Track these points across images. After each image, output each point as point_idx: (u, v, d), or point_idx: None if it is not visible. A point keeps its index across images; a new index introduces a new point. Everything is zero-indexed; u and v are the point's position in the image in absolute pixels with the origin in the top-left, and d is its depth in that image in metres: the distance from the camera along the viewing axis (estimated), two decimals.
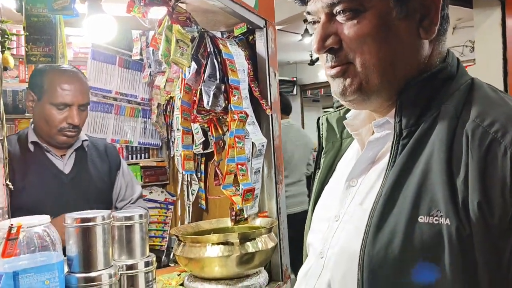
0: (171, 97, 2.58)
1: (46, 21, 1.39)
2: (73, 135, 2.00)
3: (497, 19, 4.21)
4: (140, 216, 1.50)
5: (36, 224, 1.26)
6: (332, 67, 0.88)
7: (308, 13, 0.91)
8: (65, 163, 2.04)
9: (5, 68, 1.21)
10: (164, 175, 2.89)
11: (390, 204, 0.79)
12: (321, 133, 1.13)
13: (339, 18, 0.84)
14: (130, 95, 2.75)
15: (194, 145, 2.27)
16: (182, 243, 1.74)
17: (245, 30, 2.12)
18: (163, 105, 2.66)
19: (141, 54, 2.66)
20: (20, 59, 2.35)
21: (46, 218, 1.29)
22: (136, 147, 2.82)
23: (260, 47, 2.11)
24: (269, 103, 2.05)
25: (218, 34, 2.25)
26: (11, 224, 1.15)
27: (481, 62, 4.58)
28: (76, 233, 1.34)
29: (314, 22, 0.90)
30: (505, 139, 0.72)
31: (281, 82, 9.77)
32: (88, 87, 2.09)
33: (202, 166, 2.46)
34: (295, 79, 10.28)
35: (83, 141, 2.10)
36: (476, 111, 0.78)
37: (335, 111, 1.11)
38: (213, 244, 1.65)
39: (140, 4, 1.51)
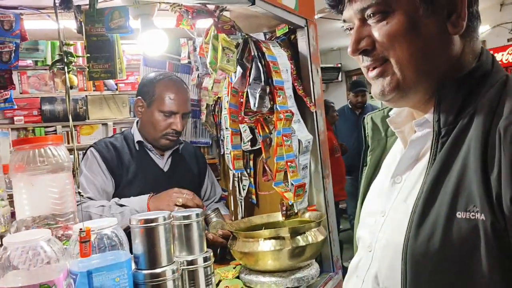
0: (219, 98, 2.68)
1: (104, 39, 1.51)
2: (175, 139, 2.23)
3: None
4: (197, 214, 1.60)
5: (106, 226, 1.38)
6: (371, 68, 0.94)
7: (344, 20, 0.98)
8: (164, 162, 2.26)
9: (71, 87, 1.34)
10: (215, 171, 2.99)
11: (431, 201, 0.84)
12: (366, 132, 1.18)
13: (371, 21, 0.91)
14: None
15: (242, 142, 2.37)
16: (236, 238, 1.84)
17: (287, 30, 2.18)
18: (211, 105, 2.77)
19: (188, 57, 2.77)
20: (78, 69, 2.52)
21: (113, 220, 1.41)
22: None
23: (302, 46, 2.17)
24: (313, 100, 2.12)
25: (261, 35, 2.32)
26: (81, 228, 1.27)
27: None
28: (141, 233, 1.45)
29: (351, 29, 0.96)
30: None
31: (325, 69, 9.69)
32: (189, 97, 2.32)
33: (251, 162, 2.55)
34: (339, 65, 10.18)
35: (179, 143, 2.32)
36: (509, 108, 0.80)
37: (379, 110, 1.17)
38: (265, 239, 1.73)
39: (188, 17, 1.61)
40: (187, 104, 2.25)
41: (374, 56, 0.92)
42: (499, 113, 0.81)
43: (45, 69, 3.11)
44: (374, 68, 0.93)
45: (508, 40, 7.24)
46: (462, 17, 0.88)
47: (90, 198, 2.05)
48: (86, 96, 2.98)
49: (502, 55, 7.38)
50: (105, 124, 3.42)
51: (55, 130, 3.30)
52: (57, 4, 1.31)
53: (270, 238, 1.74)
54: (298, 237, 1.75)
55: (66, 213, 1.49)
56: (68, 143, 2.68)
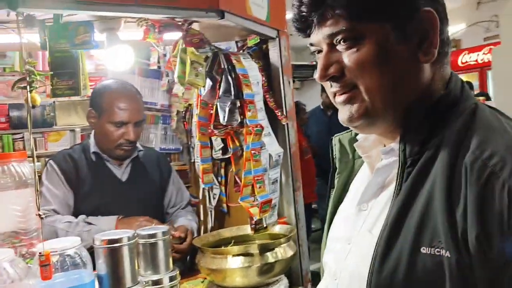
0: (189, 104, 2.65)
1: (68, 55, 1.47)
2: (129, 149, 2.18)
3: None
4: (163, 233, 1.59)
5: (69, 247, 1.36)
6: (339, 93, 0.91)
7: (311, 44, 0.95)
8: (122, 172, 2.21)
9: (33, 106, 1.31)
10: (186, 178, 2.96)
11: (395, 233, 0.83)
12: (334, 154, 1.16)
13: (340, 47, 0.88)
14: (149, 102, 2.79)
15: (213, 151, 2.35)
16: (204, 254, 1.82)
17: (258, 40, 2.17)
18: (182, 112, 2.73)
19: (158, 62, 2.72)
20: (46, 75, 2.45)
21: (77, 240, 1.39)
22: None
23: (274, 57, 2.15)
24: (285, 113, 2.10)
25: (233, 43, 2.29)
26: (40, 253, 1.24)
27: (506, 37, 4.47)
28: (105, 254, 1.44)
29: (319, 51, 0.94)
30: (503, 173, 0.73)
31: (300, 67, 9.70)
32: (142, 104, 2.26)
33: (222, 170, 2.53)
34: (314, 63, 10.20)
35: (138, 151, 2.27)
36: (476, 141, 0.79)
37: (347, 132, 1.15)
38: (234, 255, 1.72)
39: (155, 31, 1.58)
40: (139, 112, 2.19)
41: (343, 83, 0.90)
42: (466, 146, 0.80)
43: (14, 76, 3.03)
44: (342, 94, 0.91)
45: (485, 40, 7.11)
46: (434, 44, 0.87)
47: (55, 211, 2.01)
48: (54, 102, 2.92)
49: (478, 55, 7.29)
50: (72, 131, 3.36)
51: (23, 137, 3.25)
52: (20, 22, 1.27)
53: (238, 255, 1.72)
54: (268, 253, 1.74)
55: (30, 231, 1.47)
56: (36, 150, 2.63)
